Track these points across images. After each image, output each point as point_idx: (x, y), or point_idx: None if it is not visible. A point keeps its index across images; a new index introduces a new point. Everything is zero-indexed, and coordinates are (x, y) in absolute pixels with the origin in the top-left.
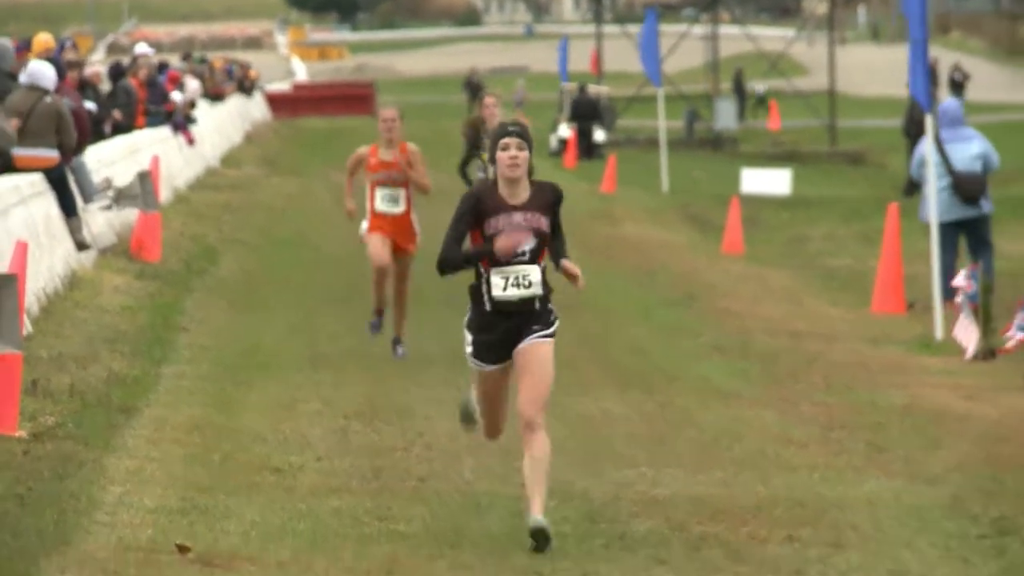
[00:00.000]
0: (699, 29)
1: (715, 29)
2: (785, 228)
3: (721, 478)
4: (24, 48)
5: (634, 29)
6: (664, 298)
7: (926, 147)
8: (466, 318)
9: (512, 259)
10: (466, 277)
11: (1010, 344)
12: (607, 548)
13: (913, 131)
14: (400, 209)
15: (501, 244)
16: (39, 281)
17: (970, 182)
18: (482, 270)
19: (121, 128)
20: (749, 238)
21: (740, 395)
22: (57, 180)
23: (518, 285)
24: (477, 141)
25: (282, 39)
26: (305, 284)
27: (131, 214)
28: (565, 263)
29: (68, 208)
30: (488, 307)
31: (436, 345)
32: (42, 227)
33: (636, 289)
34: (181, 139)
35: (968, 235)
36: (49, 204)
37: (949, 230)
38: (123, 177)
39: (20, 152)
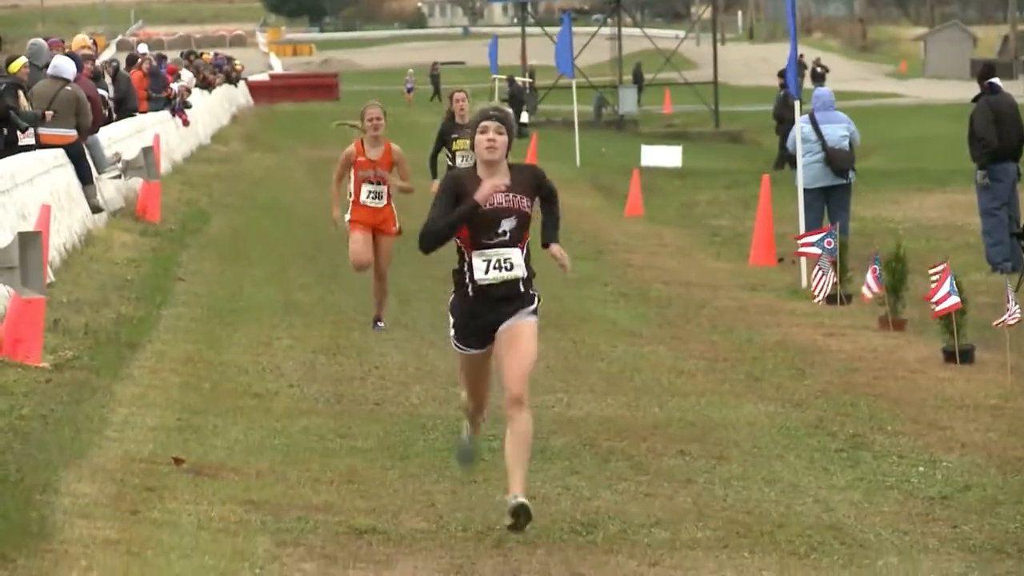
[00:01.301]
0: (606, 30)
1: (619, 30)
2: (677, 195)
3: (624, 402)
4: (59, 43)
5: (553, 30)
6: (577, 253)
7: (798, 125)
8: (449, 301)
9: (493, 238)
10: (447, 257)
11: (864, 296)
12: (530, 460)
13: (785, 114)
14: (383, 203)
15: (481, 192)
16: (60, 238)
17: (841, 157)
18: (464, 253)
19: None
20: (647, 203)
21: (640, 334)
22: (75, 154)
23: (500, 267)
24: (446, 134)
25: (262, 38)
26: (281, 241)
27: (136, 182)
28: (553, 248)
29: (84, 177)
30: (470, 291)
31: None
32: (63, 193)
33: None
34: (178, 121)
35: (830, 200)
36: (69, 174)
37: (817, 195)
38: (130, 152)
39: (45, 131)
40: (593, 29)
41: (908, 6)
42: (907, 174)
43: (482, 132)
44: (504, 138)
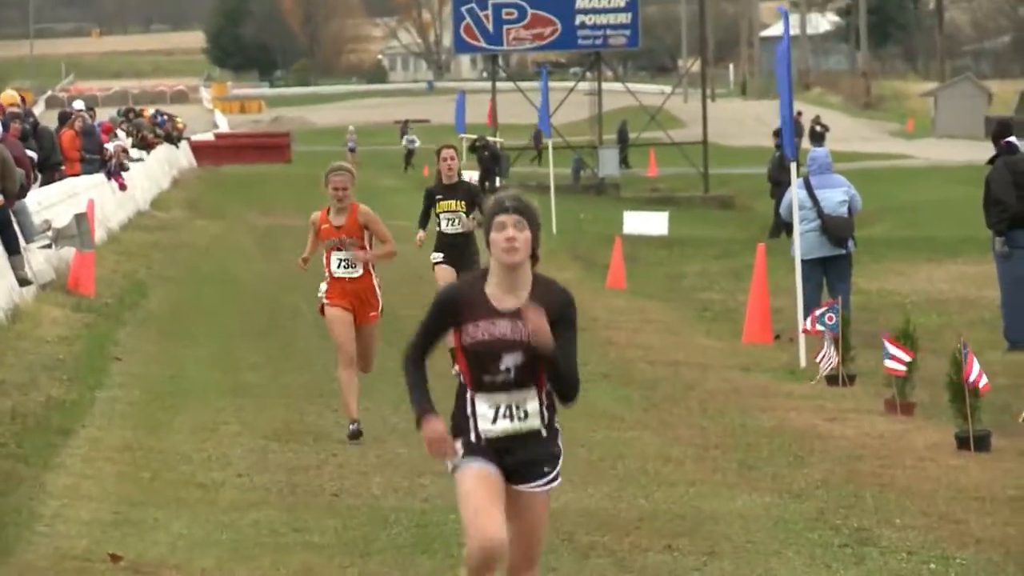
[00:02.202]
0: (584, 85)
1: (599, 85)
2: (663, 265)
3: (607, 492)
4: None
5: (525, 85)
6: None
7: (793, 191)
8: (450, 423)
9: (496, 375)
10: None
11: (891, 369)
12: None
13: (781, 177)
14: (358, 272)
15: (429, 443)
16: None
17: (838, 225)
18: (467, 391)
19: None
20: (631, 274)
21: (623, 418)
22: (1, 222)
23: (511, 416)
24: (432, 195)
25: (206, 94)
26: (228, 317)
27: (68, 252)
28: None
29: (11, 247)
30: (475, 439)
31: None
32: None
33: None
34: (114, 184)
35: (829, 272)
36: None
37: (815, 266)
38: (62, 219)
39: None
40: (570, 84)
41: (916, 59)
42: (915, 242)
43: (498, 229)
44: (527, 235)
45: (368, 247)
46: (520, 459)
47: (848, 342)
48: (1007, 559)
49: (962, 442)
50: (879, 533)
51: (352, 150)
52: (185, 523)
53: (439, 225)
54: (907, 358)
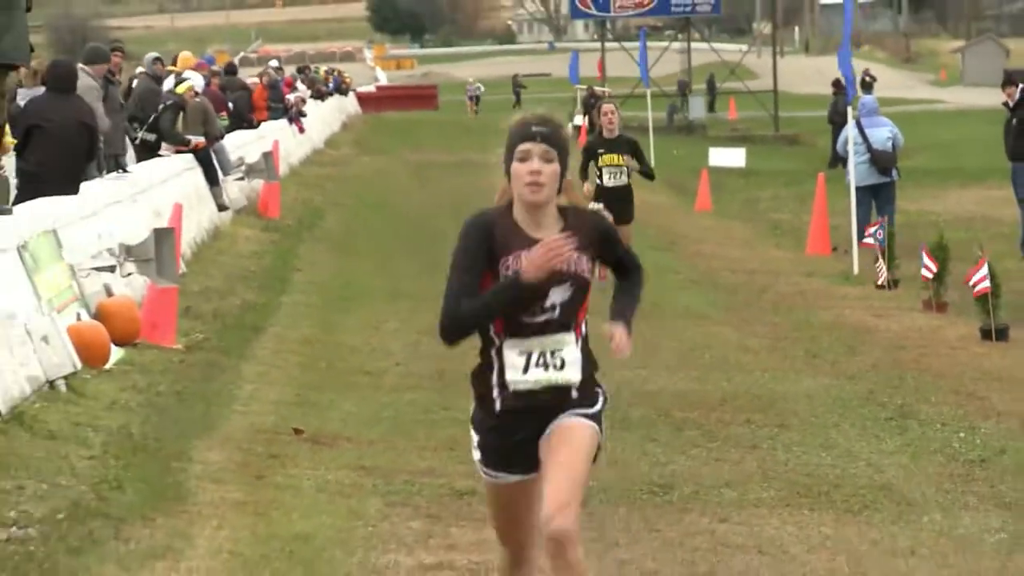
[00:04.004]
0: (676, 45)
1: (687, 45)
2: (741, 192)
3: (696, 376)
4: (204, 64)
5: (629, 44)
6: (652, 244)
7: (848, 130)
8: (471, 411)
9: (537, 315)
10: None
11: (924, 276)
12: (611, 429)
13: (838, 119)
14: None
15: (532, 263)
16: (190, 233)
17: (884, 158)
18: (494, 338)
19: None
20: (715, 199)
21: (709, 316)
22: (204, 159)
23: (545, 364)
24: (593, 148)
25: (368, 54)
26: (387, 236)
27: (258, 184)
28: (616, 329)
29: (212, 179)
30: (498, 405)
31: None
32: (193, 193)
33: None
34: (294, 128)
35: (878, 196)
36: (198, 177)
37: (866, 192)
38: (252, 156)
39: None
40: (665, 44)
41: (947, 21)
42: (947, 172)
43: (522, 159)
44: (554, 167)
45: None
46: (546, 418)
47: (893, 253)
48: (1023, 428)
49: (985, 334)
50: (918, 409)
51: (472, 98)
52: (354, 403)
53: (600, 178)
54: (934, 268)
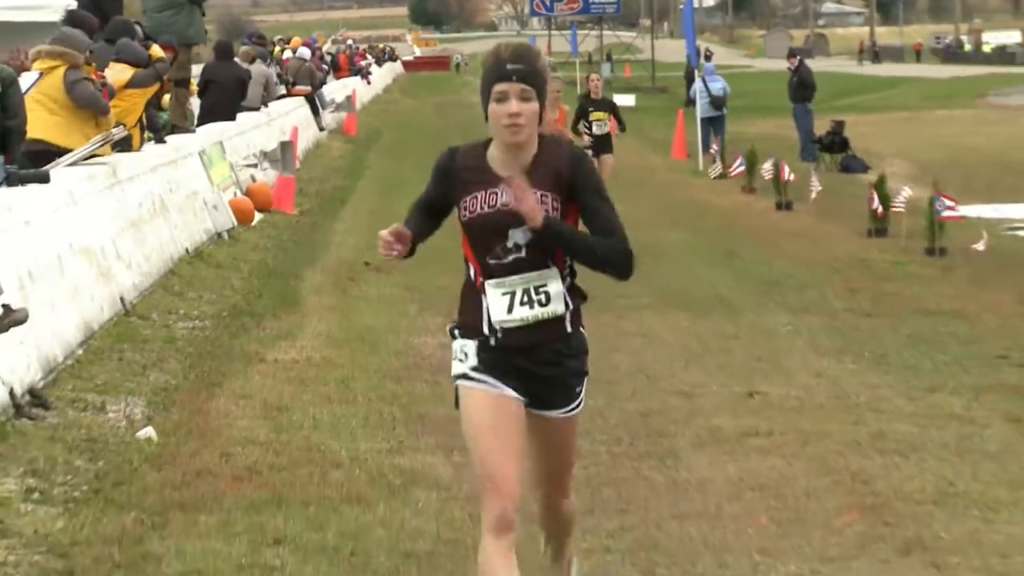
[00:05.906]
0: (594, 32)
1: (601, 32)
2: (633, 121)
3: None
4: (310, 42)
5: (566, 32)
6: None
7: (697, 83)
8: (453, 325)
9: (503, 256)
10: None
11: (732, 172)
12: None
13: (690, 76)
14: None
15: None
16: (303, 144)
17: (718, 100)
18: (475, 279)
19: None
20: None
21: (613, 196)
22: (310, 100)
23: (531, 303)
24: (584, 108)
25: (409, 37)
26: (421, 146)
27: (342, 115)
28: (527, 191)
29: (315, 112)
30: (492, 341)
31: None
32: (304, 121)
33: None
34: (364, 82)
35: (714, 124)
36: (307, 110)
37: (706, 122)
38: (338, 98)
39: (295, 88)
40: (586, 32)
41: (756, 19)
42: (756, 109)
43: (499, 100)
44: (533, 106)
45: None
46: (538, 359)
47: (724, 159)
48: (797, 261)
49: (779, 206)
50: (740, 250)
51: (457, 65)
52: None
53: (588, 128)
54: (742, 166)
